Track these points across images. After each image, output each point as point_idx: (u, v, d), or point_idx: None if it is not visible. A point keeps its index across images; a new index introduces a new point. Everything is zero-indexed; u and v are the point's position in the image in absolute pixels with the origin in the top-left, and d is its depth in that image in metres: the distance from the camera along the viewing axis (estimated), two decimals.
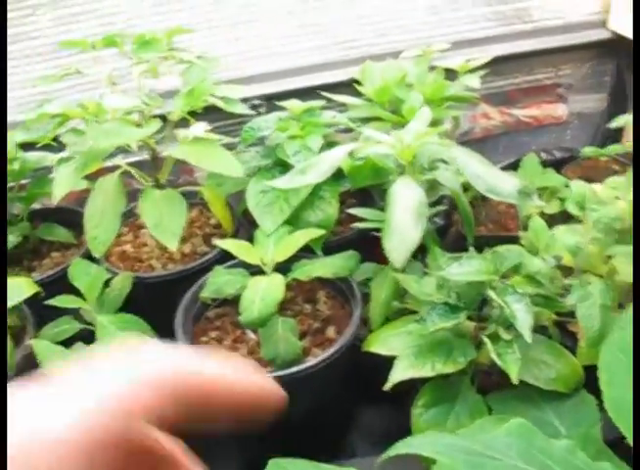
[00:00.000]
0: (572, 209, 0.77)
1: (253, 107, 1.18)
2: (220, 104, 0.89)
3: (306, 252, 0.97)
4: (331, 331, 0.91)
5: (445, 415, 0.78)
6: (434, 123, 1.17)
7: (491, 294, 0.72)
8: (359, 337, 0.88)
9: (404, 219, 0.72)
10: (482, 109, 1.37)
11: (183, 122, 0.97)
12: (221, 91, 0.91)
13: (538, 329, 0.82)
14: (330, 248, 0.98)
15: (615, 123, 1.03)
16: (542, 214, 0.96)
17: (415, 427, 0.78)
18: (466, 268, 0.76)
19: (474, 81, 1.08)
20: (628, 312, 0.71)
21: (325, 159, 0.83)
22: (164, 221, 0.90)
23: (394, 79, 1.08)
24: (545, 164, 1.28)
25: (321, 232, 0.89)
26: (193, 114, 0.97)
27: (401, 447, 0.54)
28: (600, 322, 0.70)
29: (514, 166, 1.26)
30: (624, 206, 0.87)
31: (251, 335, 0.91)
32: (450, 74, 1.15)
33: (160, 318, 0.93)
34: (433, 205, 1.03)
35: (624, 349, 0.66)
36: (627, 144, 1.17)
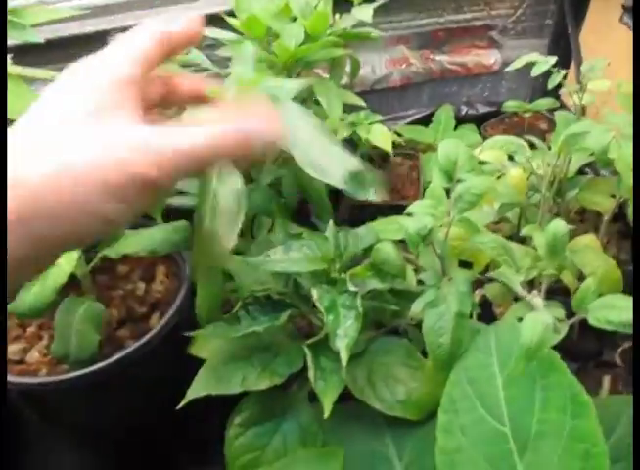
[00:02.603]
0: (438, 179, 0.58)
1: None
2: None
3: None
4: (155, 318, 0.73)
5: (268, 437, 0.61)
6: (334, 67, 0.98)
7: (314, 292, 0.54)
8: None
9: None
10: (402, 52, 1.17)
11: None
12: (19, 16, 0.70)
13: (398, 329, 0.66)
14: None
15: (552, 82, 0.82)
16: None
17: (228, 452, 0.61)
18: (293, 254, 0.58)
19: (365, 14, 0.87)
20: (494, 326, 0.54)
21: None
22: None
23: (272, 10, 0.87)
24: (465, 118, 1.09)
25: None
26: None
27: None
28: (452, 339, 0.52)
29: (427, 120, 1.07)
30: (518, 175, 0.69)
31: None
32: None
33: None
34: None
35: (474, 379, 0.50)
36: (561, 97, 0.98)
